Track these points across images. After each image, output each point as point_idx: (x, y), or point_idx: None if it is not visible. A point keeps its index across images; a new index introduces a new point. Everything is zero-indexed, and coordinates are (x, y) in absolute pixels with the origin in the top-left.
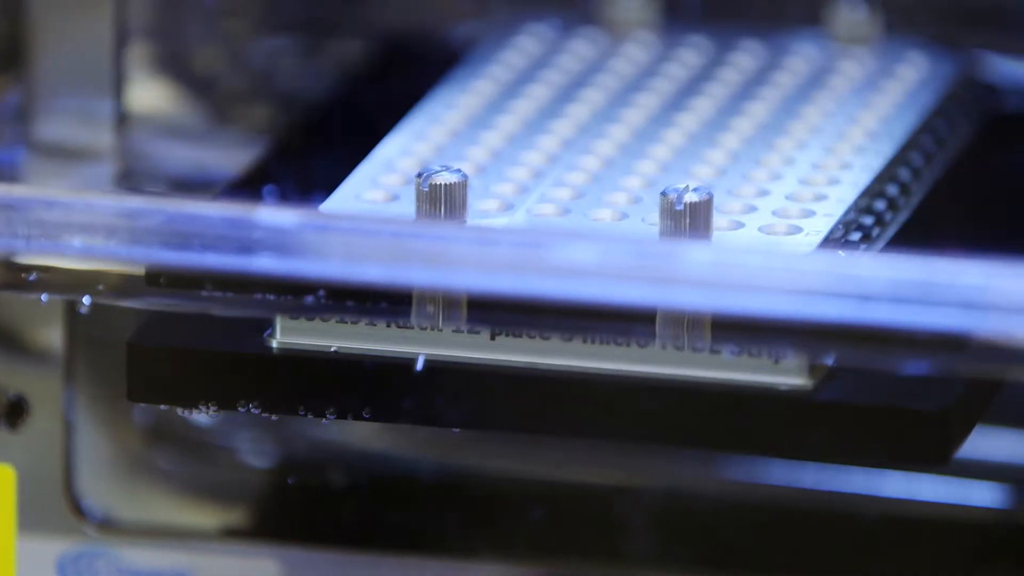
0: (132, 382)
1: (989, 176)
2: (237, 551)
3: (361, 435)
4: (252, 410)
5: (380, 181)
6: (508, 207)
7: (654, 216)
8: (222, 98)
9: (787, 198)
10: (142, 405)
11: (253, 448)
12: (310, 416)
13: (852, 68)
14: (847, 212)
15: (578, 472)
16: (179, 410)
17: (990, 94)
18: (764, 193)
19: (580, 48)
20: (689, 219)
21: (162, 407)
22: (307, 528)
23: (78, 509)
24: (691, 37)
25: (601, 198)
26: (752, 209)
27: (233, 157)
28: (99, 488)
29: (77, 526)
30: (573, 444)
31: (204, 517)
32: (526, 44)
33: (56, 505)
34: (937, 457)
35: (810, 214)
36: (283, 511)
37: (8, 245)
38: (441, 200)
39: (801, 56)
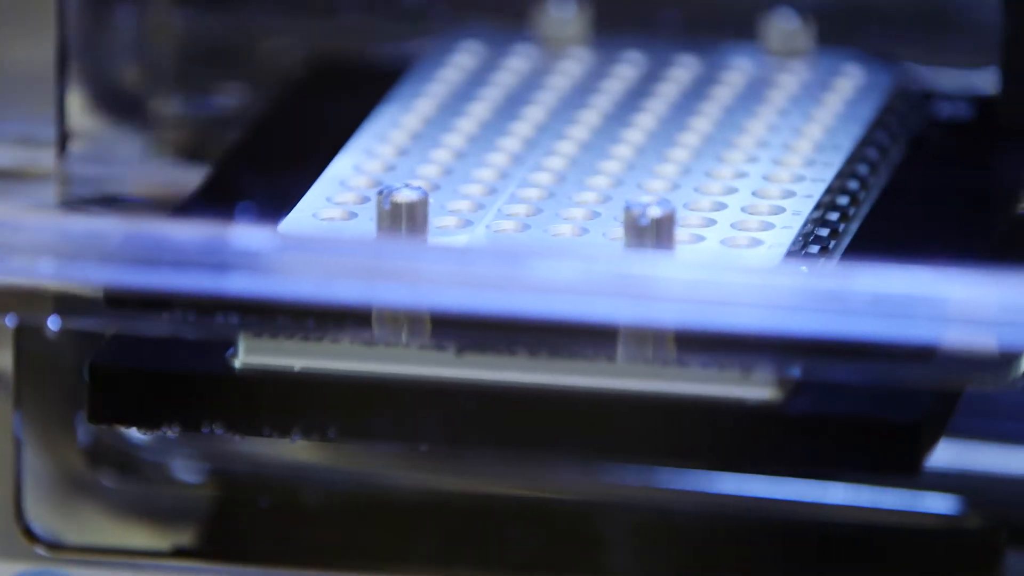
0: (93, 404)
1: (932, 183)
2: (189, 570)
3: (310, 453)
4: (216, 431)
5: (335, 200)
6: (466, 224)
7: (614, 230)
8: (153, 118)
9: (744, 211)
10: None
11: (201, 467)
12: (275, 436)
13: (789, 80)
14: (805, 224)
15: (545, 489)
16: (141, 432)
17: (924, 102)
18: (720, 207)
19: (518, 64)
20: (654, 234)
21: (123, 428)
22: (256, 547)
23: (28, 531)
24: (626, 52)
25: (558, 213)
26: (711, 223)
27: (172, 178)
28: (49, 510)
29: (28, 549)
30: (539, 461)
31: (155, 538)
32: (464, 61)
33: (6, 527)
34: (908, 468)
35: (769, 227)
36: (233, 530)
37: None
38: (402, 218)
39: (738, 69)
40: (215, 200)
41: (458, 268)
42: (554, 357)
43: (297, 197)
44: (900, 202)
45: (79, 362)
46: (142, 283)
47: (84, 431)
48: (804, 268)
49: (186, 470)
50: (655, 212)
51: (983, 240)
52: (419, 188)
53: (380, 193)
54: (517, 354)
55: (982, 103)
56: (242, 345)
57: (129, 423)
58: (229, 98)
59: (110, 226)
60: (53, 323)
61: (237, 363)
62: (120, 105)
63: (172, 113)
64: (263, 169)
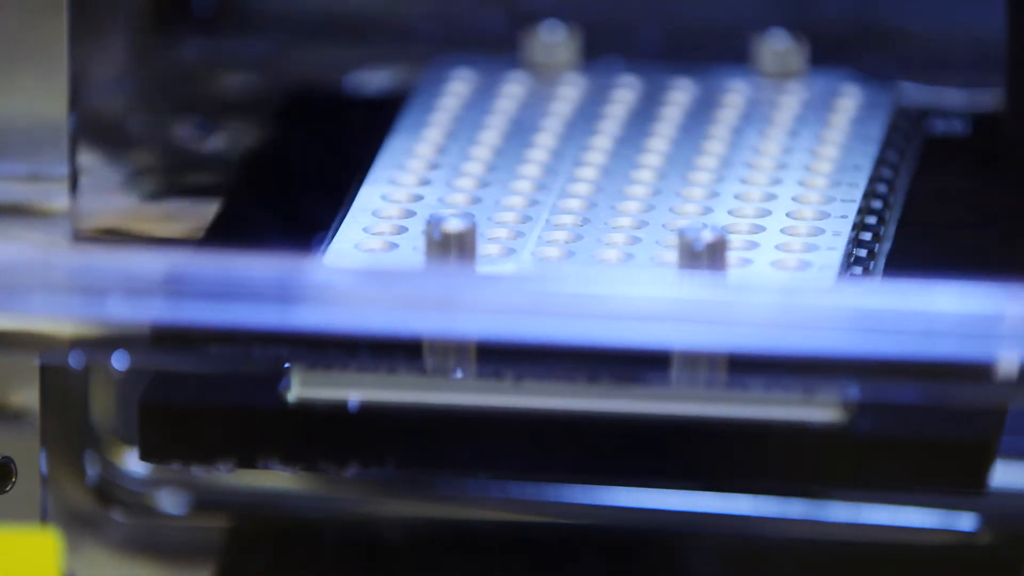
0: (146, 442)
1: (948, 198)
2: None
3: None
4: (271, 466)
5: (372, 230)
6: (509, 252)
7: (662, 255)
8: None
9: (784, 233)
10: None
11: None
12: (332, 470)
13: (791, 101)
14: (847, 245)
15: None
16: (195, 468)
17: (922, 120)
18: (759, 229)
19: (515, 91)
20: (708, 258)
21: (177, 466)
22: None
23: None
24: (620, 76)
25: (598, 239)
26: (754, 245)
27: (180, 213)
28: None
29: None
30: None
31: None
32: (460, 89)
33: None
34: (977, 485)
35: (813, 248)
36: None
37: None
38: (452, 247)
39: (736, 91)
40: (234, 233)
41: (522, 296)
42: (616, 384)
43: (323, 228)
44: (923, 219)
45: (87, 400)
46: (192, 319)
47: (92, 468)
48: (863, 287)
49: (193, 505)
50: (709, 237)
51: (1012, 254)
52: (468, 216)
53: (429, 222)
54: (579, 382)
55: (978, 120)
56: (295, 378)
57: (183, 460)
58: (204, 128)
59: (153, 262)
60: (118, 362)
61: (291, 397)
62: (100, 135)
63: (154, 143)
64: (275, 201)
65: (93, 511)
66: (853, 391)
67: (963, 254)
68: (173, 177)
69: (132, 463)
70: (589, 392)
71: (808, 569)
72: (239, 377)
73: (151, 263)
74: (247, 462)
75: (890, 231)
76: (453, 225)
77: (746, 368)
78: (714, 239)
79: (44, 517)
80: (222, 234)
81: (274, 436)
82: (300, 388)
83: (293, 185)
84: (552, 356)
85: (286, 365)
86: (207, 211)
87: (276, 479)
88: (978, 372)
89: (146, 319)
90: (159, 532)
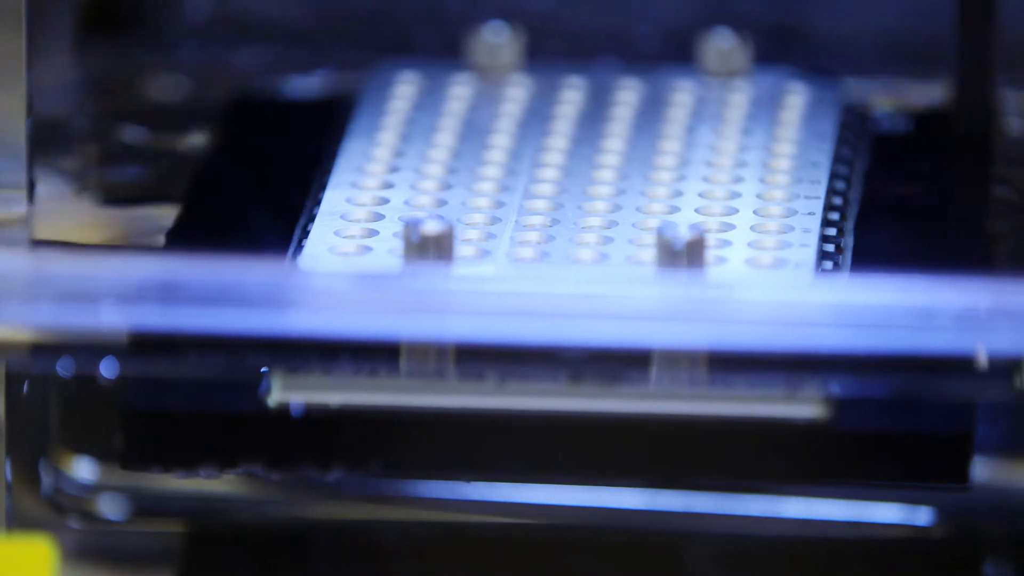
0: (128, 449)
1: (902, 192)
2: None
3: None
4: (252, 471)
5: (343, 234)
6: (484, 253)
7: (638, 254)
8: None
9: (754, 231)
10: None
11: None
12: (315, 473)
13: (739, 99)
14: (818, 242)
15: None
16: (177, 475)
17: (867, 116)
18: (728, 228)
19: (465, 93)
20: (687, 257)
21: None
22: None
23: None
24: (566, 77)
25: (570, 240)
26: (726, 244)
27: (136, 219)
28: None
29: None
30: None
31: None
32: (409, 92)
33: None
34: (959, 478)
35: (786, 245)
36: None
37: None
38: (429, 249)
39: (684, 91)
40: (195, 239)
41: (506, 298)
42: (597, 384)
43: (286, 233)
44: (881, 214)
45: (45, 408)
46: (169, 324)
47: (47, 476)
48: (841, 284)
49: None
50: (688, 235)
51: (974, 246)
52: (445, 219)
53: (407, 225)
54: (560, 383)
55: (920, 115)
56: (276, 383)
57: (165, 467)
58: (141, 132)
59: (124, 269)
60: (107, 369)
61: (272, 401)
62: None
63: (99, 150)
64: (233, 205)
65: (48, 519)
66: (835, 387)
67: (925, 247)
68: (122, 183)
69: (83, 471)
70: (572, 392)
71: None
72: (220, 384)
73: (121, 269)
74: (229, 467)
75: (850, 227)
76: (431, 228)
77: (729, 366)
78: (693, 238)
79: (9, 525)
80: (183, 240)
81: (255, 441)
82: (281, 392)
83: (249, 189)
84: (538, 357)
85: (265, 370)
86: (161, 216)
87: (227, 484)
88: (958, 365)
89: (119, 326)
90: (111, 540)
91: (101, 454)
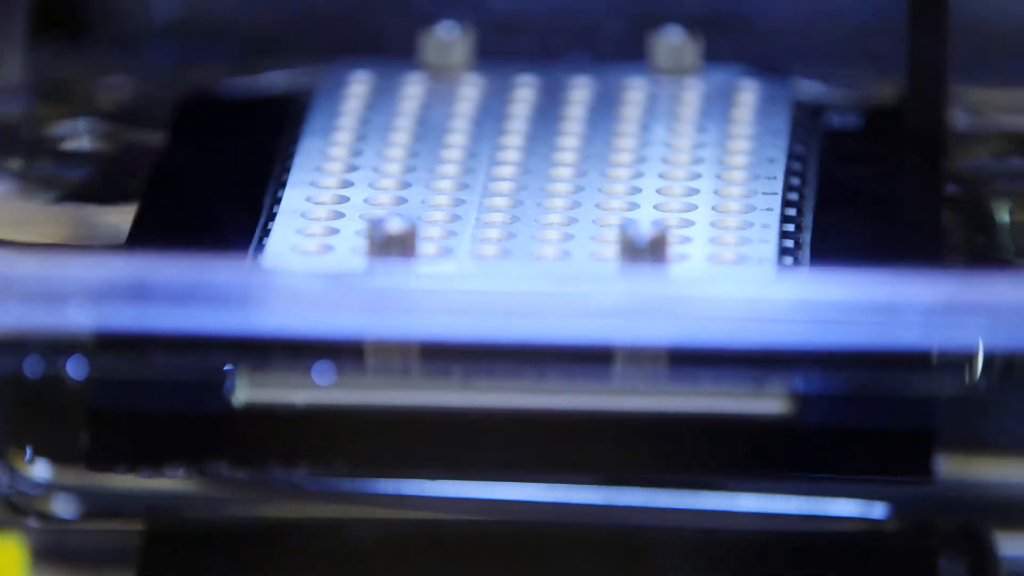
0: (93, 449)
1: (855, 188)
2: None
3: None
4: (220, 470)
5: (305, 232)
6: (446, 251)
7: (601, 251)
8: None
9: (714, 226)
10: None
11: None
12: (281, 472)
13: (691, 97)
14: (778, 237)
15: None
16: (143, 475)
17: (818, 113)
18: (688, 224)
19: (418, 92)
20: (650, 254)
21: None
22: None
23: None
24: (518, 76)
25: (532, 237)
26: (687, 240)
27: (90, 220)
28: None
29: None
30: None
31: None
32: (362, 91)
33: None
34: (924, 472)
35: (746, 241)
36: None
37: None
38: (393, 248)
39: (636, 88)
40: (155, 239)
41: (473, 296)
42: (563, 381)
43: (245, 232)
44: (836, 209)
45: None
46: (134, 324)
47: (4, 476)
48: (805, 279)
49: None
50: (651, 232)
51: (928, 241)
52: (408, 217)
53: (371, 224)
54: (525, 380)
55: (871, 111)
56: (241, 382)
57: (130, 467)
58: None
59: (87, 268)
60: (74, 369)
61: (237, 401)
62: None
63: (49, 151)
64: (190, 205)
65: (6, 519)
66: (800, 382)
67: (881, 242)
68: (73, 183)
69: (41, 471)
70: (538, 389)
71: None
72: (187, 384)
73: (82, 268)
74: (195, 467)
75: (808, 222)
76: (394, 226)
77: (693, 362)
78: (655, 234)
79: None
80: (142, 240)
81: (223, 440)
82: (246, 392)
83: (206, 189)
84: (504, 355)
85: (230, 369)
86: (114, 217)
87: (185, 482)
88: (914, 360)
89: (81, 325)
90: (70, 539)
91: (59, 454)
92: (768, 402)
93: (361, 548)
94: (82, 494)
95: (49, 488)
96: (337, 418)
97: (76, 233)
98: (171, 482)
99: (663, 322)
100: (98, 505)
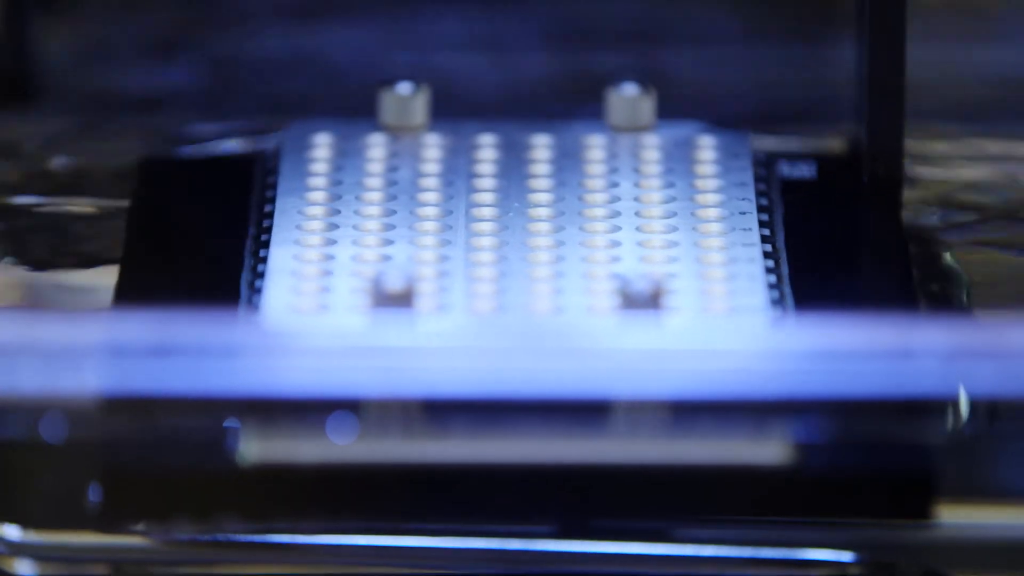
0: (106, 509)
1: (822, 237)
2: None
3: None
4: (229, 528)
5: (299, 291)
6: (444, 307)
7: (597, 304)
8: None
9: (701, 278)
10: None
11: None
12: (289, 530)
13: (652, 153)
14: (766, 288)
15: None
16: (154, 533)
17: (773, 163)
18: (674, 276)
19: (382, 152)
20: (646, 307)
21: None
22: None
23: None
24: (478, 135)
25: (524, 291)
26: (677, 292)
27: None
28: None
29: None
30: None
31: None
32: (327, 153)
33: None
34: (926, 515)
35: (735, 293)
36: None
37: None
38: (395, 304)
39: (596, 146)
40: (142, 300)
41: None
42: (570, 436)
43: (232, 291)
44: (808, 258)
45: None
46: (142, 387)
47: None
48: (800, 329)
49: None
50: (647, 286)
51: (903, 288)
52: (408, 276)
53: (373, 281)
54: (525, 437)
55: (822, 162)
56: (248, 441)
57: (142, 526)
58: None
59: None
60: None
61: (245, 459)
62: None
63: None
64: (174, 266)
65: None
66: (800, 431)
67: (858, 290)
68: (42, 249)
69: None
70: (553, 441)
71: None
72: (195, 443)
73: (79, 330)
74: (205, 525)
75: (786, 272)
76: (394, 283)
77: (696, 412)
78: (652, 287)
79: None
80: (130, 301)
81: (231, 499)
82: (252, 449)
83: (182, 250)
84: (503, 410)
85: (235, 426)
86: (91, 279)
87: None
88: (922, 407)
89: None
90: None
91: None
92: (768, 451)
93: None
94: (49, 553)
95: (16, 548)
96: (345, 475)
97: (76, 297)
98: (138, 538)
99: (664, 374)
100: (66, 562)
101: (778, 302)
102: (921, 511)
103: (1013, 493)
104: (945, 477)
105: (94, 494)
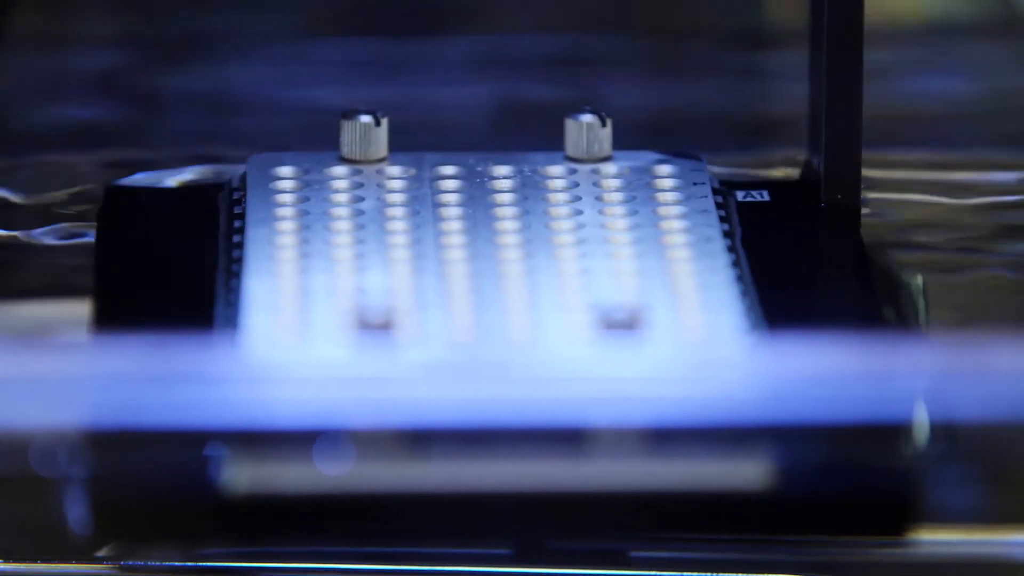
0: (95, 537)
1: (787, 259)
2: None
3: None
4: (216, 557)
5: (280, 324)
6: (425, 337)
7: (574, 332)
8: None
9: (674, 305)
10: None
11: None
12: (277, 560)
13: (613, 182)
14: (742, 312)
15: None
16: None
17: (730, 191)
18: (649, 303)
19: (347, 184)
20: (625, 332)
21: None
22: None
23: None
24: (438, 166)
25: (502, 323)
26: (651, 318)
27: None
28: None
29: None
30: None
31: None
32: (291, 184)
33: None
34: (904, 535)
35: (712, 318)
36: None
37: None
38: (377, 334)
39: (556, 177)
40: (120, 331)
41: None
42: (555, 461)
43: (207, 323)
44: (774, 281)
45: None
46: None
47: None
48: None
49: None
50: (625, 312)
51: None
52: (390, 308)
53: (357, 311)
54: (510, 463)
55: (778, 186)
56: (236, 471)
57: (129, 555)
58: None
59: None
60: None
61: (234, 489)
62: None
63: None
64: (149, 298)
65: None
66: (777, 455)
67: (830, 311)
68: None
69: None
70: (530, 469)
71: None
72: (183, 472)
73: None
74: (193, 554)
75: (755, 296)
76: (377, 314)
77: (671, 438)
78: (632, 314)
79: None
80: (107, 332)
81: (220, 528)
82: (241, 480)
83: (158, 280)
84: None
85: (221, 455)
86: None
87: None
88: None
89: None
90: None
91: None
92: (747, 474)
93: None
94: None
95: None
96: (337, 504)
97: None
98: (119, 570)
99: (646, 399)
100: None
101: (754, 327)
102: (895, 531)
103: (983, 515)
104: (918, 498)
105: (78, 525)
